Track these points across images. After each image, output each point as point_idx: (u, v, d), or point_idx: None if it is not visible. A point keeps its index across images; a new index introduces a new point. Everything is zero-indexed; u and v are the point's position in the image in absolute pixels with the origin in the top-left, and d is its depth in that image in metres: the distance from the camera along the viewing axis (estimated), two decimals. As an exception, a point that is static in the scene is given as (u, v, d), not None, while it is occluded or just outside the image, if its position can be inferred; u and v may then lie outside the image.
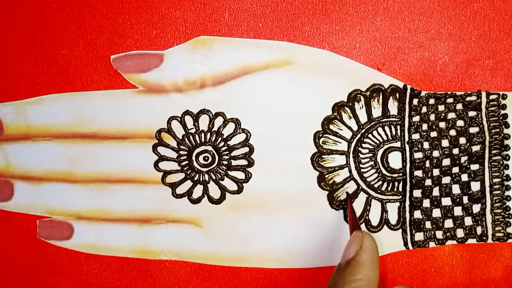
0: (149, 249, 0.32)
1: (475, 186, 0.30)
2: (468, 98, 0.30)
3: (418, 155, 0.30)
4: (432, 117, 0.30)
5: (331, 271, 0.31)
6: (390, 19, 0.30)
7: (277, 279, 0.31)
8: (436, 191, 0.30)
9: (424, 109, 0.30)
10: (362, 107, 0.30)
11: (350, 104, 0.30)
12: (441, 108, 0.30)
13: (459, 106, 0.30)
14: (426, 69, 0.30)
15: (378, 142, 0.30)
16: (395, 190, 0.30)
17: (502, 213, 0.30)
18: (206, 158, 0.31)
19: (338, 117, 0.30)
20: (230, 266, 0.31)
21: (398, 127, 0.30)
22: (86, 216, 0.32)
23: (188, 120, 0.31)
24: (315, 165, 0.30)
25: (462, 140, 0.30)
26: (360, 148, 0.30)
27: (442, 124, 0.30)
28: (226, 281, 0.31)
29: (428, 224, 0.30)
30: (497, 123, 0.30)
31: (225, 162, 0.31)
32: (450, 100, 0.30)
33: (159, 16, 0.30)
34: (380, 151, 0.30)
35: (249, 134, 0.30)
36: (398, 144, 0.30)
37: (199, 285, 0.32)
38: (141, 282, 0.32)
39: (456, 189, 0.30)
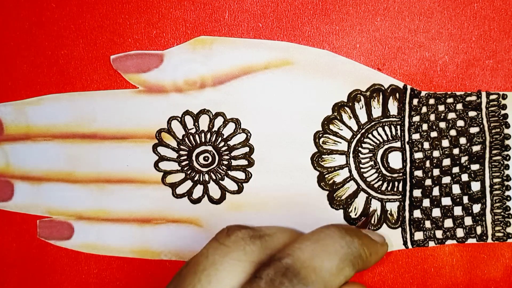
0: (149, 249, 0.32)
1: (475, 186, 0.30)
2: (468, 98, 0.30)
3: (418, 155, 0.30)
4: (432, 117, 0.30)
5: (331, 271, 0.31)
6: (390, 19, 0.30)
7: (277, 279, 0.31)
8: (436, 191, 0.30)
9: (424, 109, 0.30)
10: (362, 107, 0.30)
11: (350, 104, 0.30)
12: (441, 108, 0.30)
13: (459, 106, 0.30)
14: (426, 69, 0.30)
15: (378, 142, 0.30)
16: (395, 190, 0.30)
17: (502, 213, 0.30)
18: (206, 158, 0.31)
19: (338, 117, 0.30)
20: (230, 266, 0.31)
21: (398, 127, 0.30)
22: (86, 216, 0.32)
23: (188, 120, 0.31)
24: (315, 165, 0.30)
25: (462, 140, 0.30)
26: (360, 148, 0.30)
27: (442, 124, 0.30)
28: (226, 281, 0.31)
29: (427, 224, 0.30)
30: (497, 123, 0.30)
31: (225, 162, 0.31)
32: (450, 100, 0.30)
33: (159, 16, 0.30)
34: (380, 151, 0.30)
35: (249, 134, 0.30)
36: (398, 144, 0.30)
37: (199, 285, 0.32)
38: (141, 282, 0.32)
39: (456, 189, 0.30)
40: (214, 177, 0.31)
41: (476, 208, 0.30)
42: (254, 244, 0.24)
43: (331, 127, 0.30)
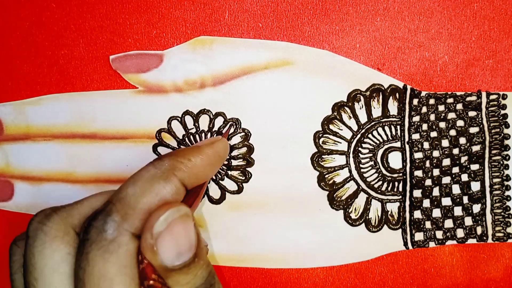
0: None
1: (475, 186, 0.30)
2: (468, 98, 0.30)
3: (418, 155, 0.30)
4: (432, 117, 0.30)
5: (331, 271, 0.31)
6: (390, 19, 0.30)
7: (277, 279, 0.31)
8: (436, 191, 0.30)
9: (424, 109, 0.30)
10: (362, 107, 0.30)
11: (350, 104, 0.30)
12: (441, 108, 0.30)
13: (459, 106, 0.30)
14: (426, 69, 0.30)
15: (378, 142, 0.30)
16: (395, 190, 0.30)
17: (502, 213, 0.30)
18: (206, 158, 0.31)
19: (338, 117, 0.30)
20: (230, 266, 0.31)
21: (398, 127, 0.30)
22: (86, 216, 0.32)
23: (188, 120, 0.31)
24: (315, 165, 0.30)
25: (462, 140, 0.30)
26: (360, 148, 0.30)
27: (442, 124, 0.30)
28: (226, 281, 0.31)
29: (428, 224, 0.30)
30: (497, 123, 0.30)
31: (225, 162, 0.31)
32: (450, 100, 0.30)
33: (159, 16, 0.30)
34: (380, 151, 0.30)
35: (249, 134, 0.30)
36: (398, 144, 0.30)
37: (199, 285, 0.32)
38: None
39: (456, 189, 0.30)
40: (214, 177, 0.31)
41: (476, 208, 0.30)
42: (51, 219, 0.24)
43: (331, 127, 0.30)
